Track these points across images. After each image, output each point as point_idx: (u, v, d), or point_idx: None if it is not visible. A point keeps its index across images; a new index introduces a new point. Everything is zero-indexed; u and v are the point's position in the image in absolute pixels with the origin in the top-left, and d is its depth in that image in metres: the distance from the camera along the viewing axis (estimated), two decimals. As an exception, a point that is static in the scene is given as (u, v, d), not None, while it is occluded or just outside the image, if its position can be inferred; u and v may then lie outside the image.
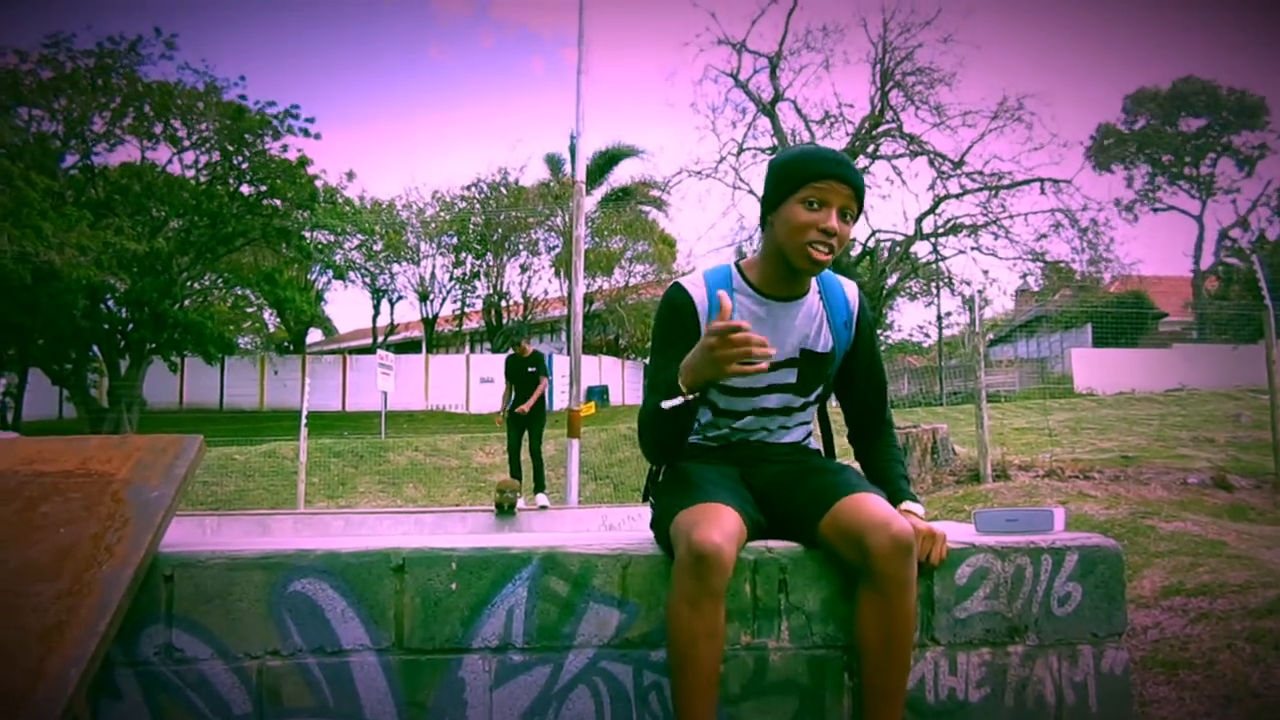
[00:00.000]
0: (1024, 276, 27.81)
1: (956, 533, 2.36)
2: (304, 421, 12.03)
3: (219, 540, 8.80)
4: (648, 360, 2.45)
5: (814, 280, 2.32)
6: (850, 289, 2.38)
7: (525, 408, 10.03)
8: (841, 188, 2.11)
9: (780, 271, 2.24)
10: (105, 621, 1.81)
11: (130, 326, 24.66)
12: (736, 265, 2.33)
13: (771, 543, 2.19)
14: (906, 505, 2.23)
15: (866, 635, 2.02)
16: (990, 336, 30.68)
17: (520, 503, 9.62)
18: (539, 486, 10.09)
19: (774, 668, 2.12)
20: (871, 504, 2.05)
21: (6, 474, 2.14)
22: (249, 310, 34.82)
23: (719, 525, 1.97)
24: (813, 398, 2.37)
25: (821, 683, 2.12)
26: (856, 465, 2.43)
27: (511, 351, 10.36)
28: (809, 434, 2.46)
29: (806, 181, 2.12)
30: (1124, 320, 26.24)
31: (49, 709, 1.66)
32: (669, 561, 2.05)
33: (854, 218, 2.16)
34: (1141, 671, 3.62)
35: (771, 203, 2.21)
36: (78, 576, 1.89)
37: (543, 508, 9.79)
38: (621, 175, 35.05)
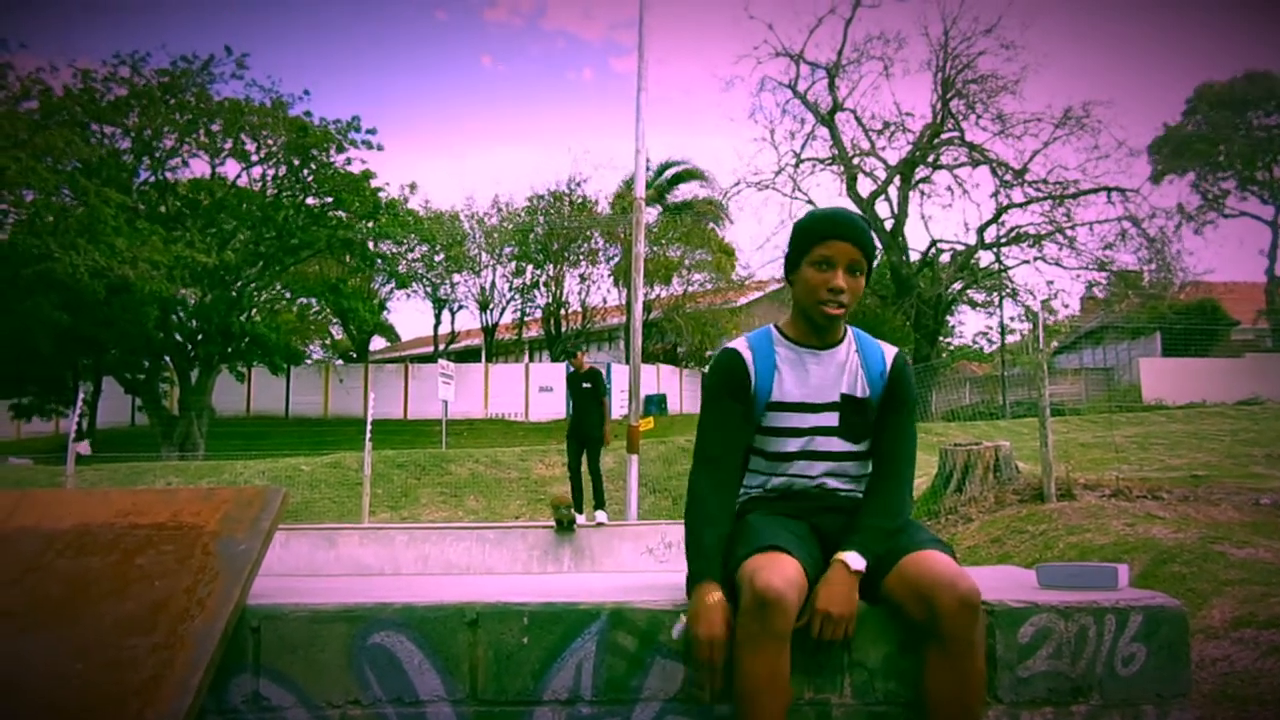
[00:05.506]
0: (1089, 286, 27.29)
1: (1019, 586, 2.37)
2: (369, 435, 12.24)
3: (289, 555, 9.03)
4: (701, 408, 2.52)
5: (850, 333, 2.46)
6: (889, 351, 2.45)
7: (606, 438, 10.34)
8: (845, 246, 2.29)
9: (808, 325, 2.40)
10: (199, 676, 1.91)
11: (200, 338, 25.35)
12: (776, 326, 2.49)
13: (835, 598, 2.21)
14: (841, 554, 2.16)
15: (934, 696, 2.04)
16: (1055, 344, 30.10)
17: (580, 519, 9.73)
18: (599, 503, 10.18)
19: (837, 724, 2.15)
20: (938, 561, 2.07)
21: (105, 526, 2.26)
22: (314, 319, 35.52)
23: (780, 571, 2.02)
24: (862, 446, 2.40)
25: (884, 740, 2.14)
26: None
27: (570, 367, 10.51)
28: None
29: (814, 245, 2.32)
30: (1194, 330, 25.62)
31: (149, 763, 1.76)
32: (736, 614, 2.09)
33: (864, 271, 2.33)
34: (1210, 705, 3.56)
35: (792, 264, 2.41)
36: (172, 629, 1.99)
37: (599, 524, 9.88)
38: (683, 191, 35.28)
